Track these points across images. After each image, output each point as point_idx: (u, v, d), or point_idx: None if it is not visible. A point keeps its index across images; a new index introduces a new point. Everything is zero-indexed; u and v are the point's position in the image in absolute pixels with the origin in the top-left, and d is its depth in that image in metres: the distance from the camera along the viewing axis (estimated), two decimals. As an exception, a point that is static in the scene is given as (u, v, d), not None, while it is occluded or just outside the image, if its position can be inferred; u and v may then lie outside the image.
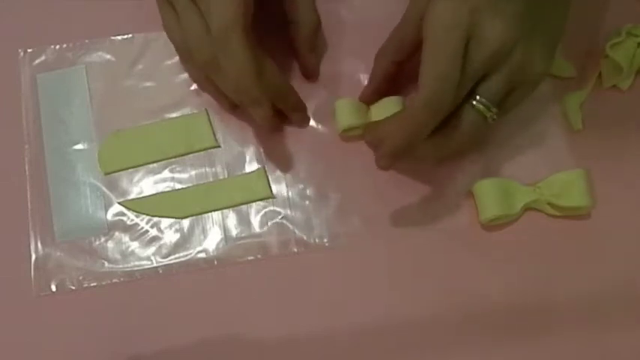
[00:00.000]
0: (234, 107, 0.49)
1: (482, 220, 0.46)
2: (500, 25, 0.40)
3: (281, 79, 0.45)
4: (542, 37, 0.42)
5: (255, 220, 0.47)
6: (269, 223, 0.47)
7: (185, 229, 0.47)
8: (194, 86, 0.50)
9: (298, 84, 0.49)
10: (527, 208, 0.47)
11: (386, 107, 0.47)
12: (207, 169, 0.49)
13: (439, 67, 0.39)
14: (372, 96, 0.48)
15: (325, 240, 0.47)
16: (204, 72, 0.46)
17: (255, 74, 0.42)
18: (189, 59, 0.47)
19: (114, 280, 0.46)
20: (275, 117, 0.46)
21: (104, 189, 0.48)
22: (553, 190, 0.46)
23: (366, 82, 0.49)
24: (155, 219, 0.48)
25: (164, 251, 0.47)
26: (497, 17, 0.40)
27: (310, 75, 0.50)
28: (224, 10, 0.41)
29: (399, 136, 0.41)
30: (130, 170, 0.49)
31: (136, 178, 0.49)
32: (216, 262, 0.47)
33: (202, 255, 0.47)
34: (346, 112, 0.48)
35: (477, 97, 0.42)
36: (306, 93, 0.49)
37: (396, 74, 0.48)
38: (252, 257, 0.47)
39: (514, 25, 0.41)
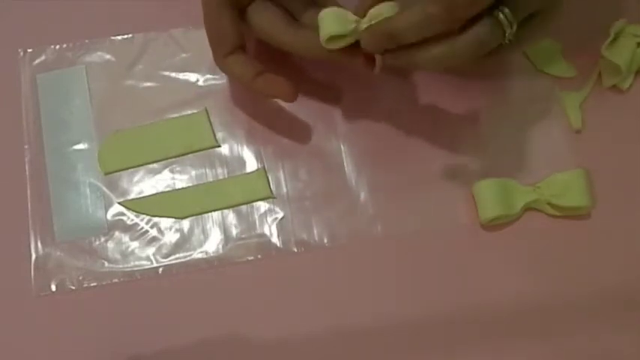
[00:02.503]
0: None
1: (483, 220, 0.46)
2: None
3: None
4: None
5: (255, 220, 0.47)
6: (269, 223, 0.47)
7: (185, 229, 0.47)
8: (194, 86, 0.50)
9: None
10: (527, 208, 0.47)
11: (382, 12, 0.43)
12: (207, 169, 0.49)
13: None
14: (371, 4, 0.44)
15: (325, 240, 0.47)
16: None
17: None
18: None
19: (114, 280, 0.46)
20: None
21: (104, 189, 0.48)
22: (553, 190, 0.46)
23: None
24: (155, 219, 0.48)
25: (164, 251, 0.47)
26: None
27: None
28: None
29: (413, 32, 0.40)
30: (130, 170, 0.49)
31: (136, 178, 0.49)
32: (216, 263, 0.46)
33: (202, 255, 0.47)
34: (332, 21, 0.43)
35: (502, 8, 0.40)
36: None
37: None
38: (252, 257, 0.47)
39: None
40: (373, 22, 0.42)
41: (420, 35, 0.40)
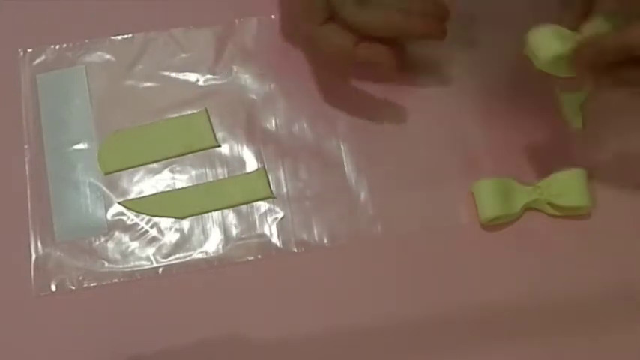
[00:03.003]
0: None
1: (482, 220, 0.46)
2: None
3: None
4: None
5: (255, 220, 0.47)
6: (269, 223, 0.47)
7: (185, 229, 0.47)
8: (194, 86, 0.50)
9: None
10: (527, 208, 0.47)
11: (596, 28, 0.41)
12: (207, 169, 0.49)
13: None
14: (577, 21, 0.42)
15: (325, 240, 0.47)
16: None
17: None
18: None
19: (114, 280, 0.46)
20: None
21: (104, 189, 0.48)
22: (553, 190, 0.46)
23: None
24: (155, 219, 0.48)
25: (164, 251, 0.47)
26: None
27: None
28: None
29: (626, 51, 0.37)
30: (130, 170, 0.49)
31: (136, 178, 0.49)
32: (216, 262, 0.46)
33: (202, 255, 0.47)
34: (551, 39, 0.40)
35: None
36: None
37: None
38: (252, 257, 0.47)
39: None
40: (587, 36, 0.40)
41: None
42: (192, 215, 0.48)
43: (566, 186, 0.46)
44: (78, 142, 0.49)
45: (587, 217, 0.48)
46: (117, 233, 0.47)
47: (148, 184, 0.48)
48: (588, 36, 0.40)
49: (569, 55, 0.40)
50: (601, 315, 0.46)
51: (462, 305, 0.46)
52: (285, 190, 0.48)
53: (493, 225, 0.47)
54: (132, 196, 0.48)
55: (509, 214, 0.46)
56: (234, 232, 0.47)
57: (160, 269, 0.46)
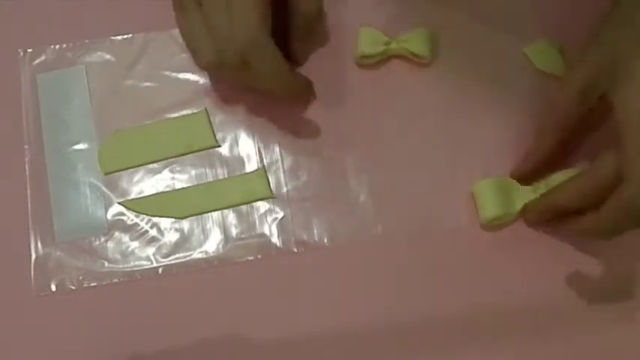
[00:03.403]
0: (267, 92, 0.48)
1: (482, 220, 0.47)
2: None
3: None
4: None
5: (255, 220, 0.47)
6: (269, 223, 0.47)
7: (185, 229, 0.47)
8: (194, 86, 0.50)
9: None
10: None
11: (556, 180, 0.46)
12: (207, 169, 0.49)
13: None
14: (528, 173, 0.47)
15: (325, 240, 0.47)
16: (234, 73, 0.46)
17: (287, 70, 0.45)
18: (217, 63, 0.45)
19: (114, 280, 0.46)
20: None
21: (104, 189, 0.48)
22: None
23: None
24: (155, 219, 0.48)
25: (164, 251, 0.47)
26: None
27: (295, 62, 0.50)
28: (248, 19, 0.42)
29: (606, 225, 0.41)
30: (129, 170, 0.49)
31: (136, 178, 0.49)
32: (216, 263, 0.47)
33: (202, 255, 0.47)
34: (367, 40, 0.49)
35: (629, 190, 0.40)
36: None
37: (560, 153, 0.47)
38: (252, 257, 0.47)
39: None
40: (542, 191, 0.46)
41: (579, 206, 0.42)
42: (192, 215, 0.48)
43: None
44: (78, 142, 0.49)
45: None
46: (117, 233, 0.47)
47: (148, 184, 0.48)
48: (531, 198, 0.46)
49: (376, 57, 0.49)
50: (601, 315, 0.46)
51: (462, 305, 0.46)
52: (285, 190, 0.48)
53: (493, 225, 0.47)
54: (132, 196, 0.48)
55: (509, 214, 0.46)
56: (234, 232, 0.47)
57: (160, 269, 0.46)
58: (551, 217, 0.46)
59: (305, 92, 0.49)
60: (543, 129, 0.47)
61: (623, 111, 0.41)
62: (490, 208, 0.46)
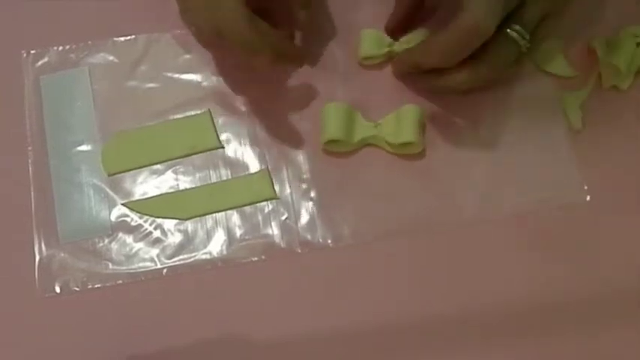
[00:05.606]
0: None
1: (322, 141, 0.47)
2: None
3: (275, 32, 0.45)
4: None
5: (259, 221, 0.48)
6: (273, 224, 0.48)
7: (189, 230, 0.47)
8: (197, 87, 0.50)
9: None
10: (366, 144, 0.49)
11: (414, 39, 0.49)
12: (211, 170, 0.49)
13: None
14: (398, 25, 0.49)
15: (329, 240, 0.47)
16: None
17: (248, 17, 0.42)
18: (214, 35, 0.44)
19: (118, 282, 0.46)
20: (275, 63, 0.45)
21: (108, 190, 0.48)
22: (390, 129, 0.47)
23: None
24: (159, 220, 0.48)
25: (168, 252, 0.47)
26: None
27: (300, 29, 0.50)
28: None
29: (439, 59, 0.43)
30: (133, 171, 0.49)
31: (139, 179, 0.49)
32: (220, 263, 0.47)
33: (206, 256, 0.47)
34: (370, 41, 0.50)
35: (512, 26, 0.43)
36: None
37: (422, 2, 0.49)
38: (256, 258, 0.47)
39: None
40: (404, 47, 0.49)
41: (444, 66, 0.44)
42: (196, 216, 0.48)
43: (400, 124, 0.47)
44: (81, 144, 0.49)
45: (588, 217, 0.48)
46: (121, 234, 0.47)
47: (152, 185, 0.48)
48: (399, 49, 0.49)
49: (379, 58, 0.50)
50: (601, 315, 0.46)
51: (463, 305, 0.46)
52: (288, 190, 0.48)
53: (333, 152, 0.48)
54: (135, 197, 0.48)
55: (348, 143, 0.47)
56: (238, 233, 0.47)
57: (164, 270, 0.46)
58: (413, 71, 0.48)
59: (299, 58, 0.48)
60: None
61: None
62: (331, 131, 0.47)
